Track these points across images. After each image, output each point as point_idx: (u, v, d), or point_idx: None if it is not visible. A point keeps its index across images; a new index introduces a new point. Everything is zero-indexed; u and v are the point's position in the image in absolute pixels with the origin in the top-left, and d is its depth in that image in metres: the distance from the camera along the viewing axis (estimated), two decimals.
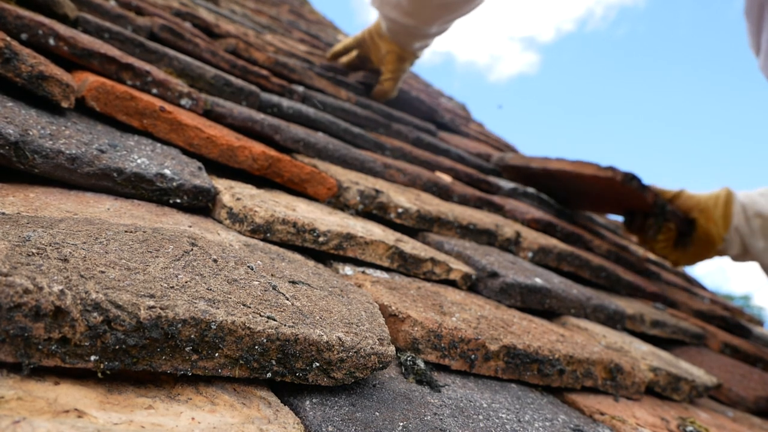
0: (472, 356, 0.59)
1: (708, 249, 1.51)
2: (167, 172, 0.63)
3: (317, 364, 0.42)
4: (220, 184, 0.71)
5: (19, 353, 0.31)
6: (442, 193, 1.20)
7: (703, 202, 1.50)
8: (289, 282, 0.52)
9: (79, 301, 0.32)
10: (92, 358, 0.33)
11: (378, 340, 0.47)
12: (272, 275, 0.51)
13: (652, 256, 2.04)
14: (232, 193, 0.68)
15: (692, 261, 1.54)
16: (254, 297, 0.44)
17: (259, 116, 0.96)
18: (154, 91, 0.83)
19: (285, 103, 1.13)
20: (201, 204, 0.66)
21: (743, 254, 1.49)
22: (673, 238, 1.52)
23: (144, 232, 0.48)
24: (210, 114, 0.91)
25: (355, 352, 0.44)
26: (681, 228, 1.51)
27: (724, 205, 1.47)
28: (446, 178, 1.33)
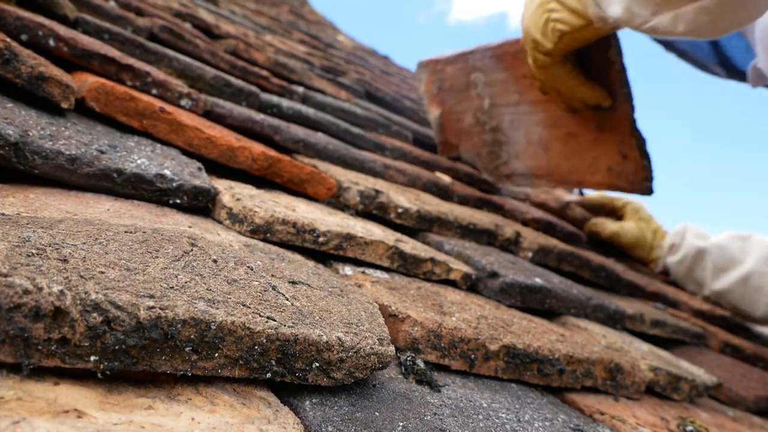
0: (472, 356, 0.59)
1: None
2: (167, 172, 0.64)
3: (317, 364, 0.42)
4: (220, 184, 0.71)
5: (19, 353, 0.31)
6: (442, 193, 1.20)
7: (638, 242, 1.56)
8: (289, 282, 0.52)
9: (78, 302, 0.33)
10: (92, 358, 0.33)
11: (378, 340, 0.47)
12: (272, 275, 0.51)
13: None
14: (231, 193, 0.68)
15: None
16: (254, 297, 0.44)
17: (259, 117, 0.96)
18: (154, 91, 0.83)
19: (285, 103, 1.14)
20: (201, 204, 0.66)
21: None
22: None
23: (144, 232, 0.48)
24: (210, 114, 0.91)
25: (354, 352, 0.44)
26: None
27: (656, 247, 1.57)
28: (446, 178, 1.33)
